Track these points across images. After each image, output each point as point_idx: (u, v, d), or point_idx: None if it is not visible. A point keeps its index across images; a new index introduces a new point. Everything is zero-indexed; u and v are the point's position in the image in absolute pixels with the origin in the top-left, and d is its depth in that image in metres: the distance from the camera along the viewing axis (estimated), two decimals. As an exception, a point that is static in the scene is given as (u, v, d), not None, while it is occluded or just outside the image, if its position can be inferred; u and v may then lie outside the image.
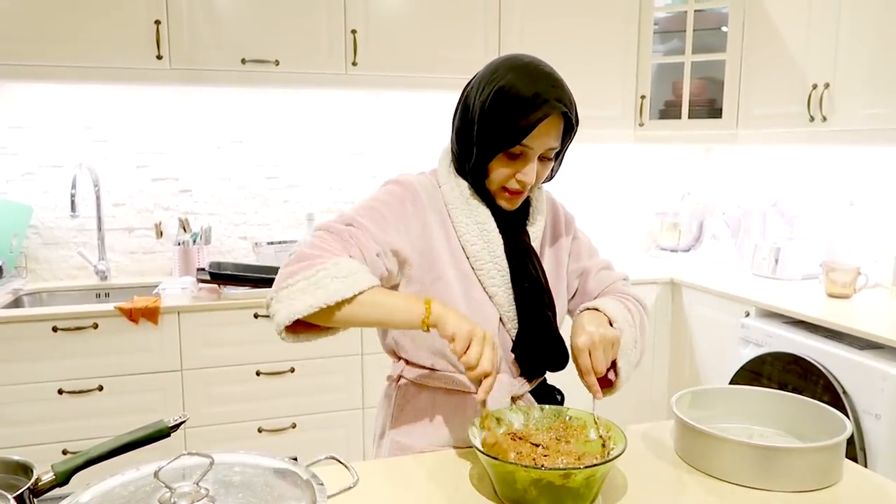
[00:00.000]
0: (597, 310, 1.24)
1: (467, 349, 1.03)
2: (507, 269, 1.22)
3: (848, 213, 2.79)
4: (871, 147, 2.65)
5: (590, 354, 1.15)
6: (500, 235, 1.22)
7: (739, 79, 2.85)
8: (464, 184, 1.23)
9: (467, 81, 1.23)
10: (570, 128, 1.17)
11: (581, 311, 1.25)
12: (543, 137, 1.14)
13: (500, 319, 1.23)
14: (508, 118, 1.12)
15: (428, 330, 1.06)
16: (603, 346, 1.15)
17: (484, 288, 1.22)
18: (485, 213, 1.22)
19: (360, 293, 1.06)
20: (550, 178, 1.25)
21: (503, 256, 1.22)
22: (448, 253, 1.21)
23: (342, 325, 1.11)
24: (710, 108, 3.02)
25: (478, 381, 1.06)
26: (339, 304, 1.05)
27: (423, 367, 1.25)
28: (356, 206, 1.20)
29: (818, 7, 2.50)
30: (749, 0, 2.79)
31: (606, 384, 1.24)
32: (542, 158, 1.18)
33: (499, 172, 1.17)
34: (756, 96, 2.79)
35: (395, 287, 1.22)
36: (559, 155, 1.22)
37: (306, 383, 2.54)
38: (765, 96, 2.75)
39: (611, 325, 1.21)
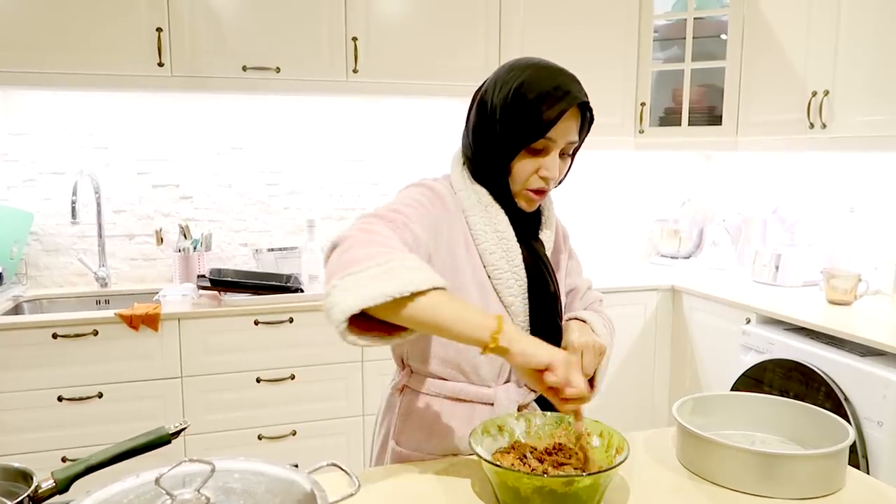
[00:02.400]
0: (583, 321, 1.28)
1: (565, 375, 0.97)
2: (525, 280, 1.22)
3: (848, 219, 2.79)
4: (871, 154, 2.66)
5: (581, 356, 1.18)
6: (518, 244, 1.22)
7: (739, 86, 2.86)
8: (482, 190, 1.22)
9: (477, 87, 1.24)
10: (584, 122, 1.19)
11: (567, 320, 1.30)
12: (566, 130, 1.15)
13: None
14: (532, 112, 1.13)
15: (484, 352, 0.97)
16: (593, 350, 1.19)
17: (500, 297, 1.22)
18: (504, 221, 1.21)
19: (434, 289, 0.96)
20: (561, 182, 1.25)
21: (521, 266, 1.22)
22: (467, 261, 1.20)
23: (406, 324, 0.98)
24: (709, 115, 3.03)
25: (570, 402, 1.01)
26: (412, 297, 0.94)
27: (431, 376, 1.25)
28: (394, 201, 1.15)
29: (817, 14, 2.50)
30: (748, 8, 2.80)
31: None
32: (562, 154, 1.19)
33: (522, 170, 1.17)
34: (756, 103, 2.79)
35: None
36: (574, 152, 1.23)
37: (307, 390, 2.54)
38: (764, 103, 2.75)
39: None
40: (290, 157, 2.99)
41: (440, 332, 0.98)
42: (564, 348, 1.21)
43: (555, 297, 1.25)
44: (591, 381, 1.24)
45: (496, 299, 1.21)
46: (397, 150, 3.11)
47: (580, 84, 1.17)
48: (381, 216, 1.08)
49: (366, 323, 0.98)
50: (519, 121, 1.14)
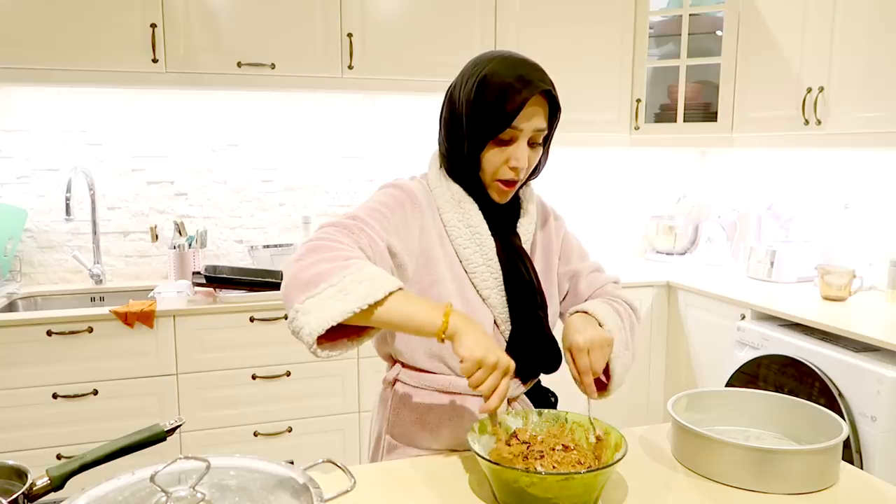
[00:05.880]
0: (586, 313, 1.24)
1: (474, 373, 1.00)
2: (500, 272, 1.23)
3: (843, 216, 2.80)
4: (866, 150, 2.66)
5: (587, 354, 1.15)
6: (492, 238, 1.23)
7: (734, 82, 2.86)
8: (455, 187, 1.23)
9: (451, 82, 1.25)
10: (554, 110, 1.19)
11: (571, 314, 1.26)
12: (531, 118, 1.15)
13: (495, 321, 1.24)
14: (495, 104, 1.14)
15: (443, 341, 1.03)
16: (600, 346, 1.15)
17: (477, 290, 1.23)
18: (477, 216, 1.23)
19: (389, 295, 1.01)
20: (537, 173, 1.25)
21: (495, 259, 1.23)
22: (443, 256, 1.22)
23: (371, 325, 1.06)
24: (705, 111, 3.03)
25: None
26: (371, 308, 1.01)
27: (419, 370, 1.25)
28: (357, 208, 1.18)
29: (813, 11, 2.51)
30: (744, 4, 2.80)
31: (600, 387, 1.25)
32: (533, 144, 1.19)
33: (491, 161, 1.18)
34: (751, 100, 2.80)
35: None
36: (547, 141, 1.23)
37: (302, 387, 2.53)
38: (760, 100, 2.76)
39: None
40: (285, 154, 2.99)
41: (401, 330, 1.06)
42: (569, 349, 1.17)
43: (531, 287, 1.25)
44: (606, 374, 1.22)
45: (473, 292, 1.23)
46: (392, 147, 3.11)
47: (543, 73, 1.17)
48: (336, 224, 1.11)
49: (333, 332, 1.03)
50: (483, 114, 1.15)
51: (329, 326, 0.99)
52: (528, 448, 1.08)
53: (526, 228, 1.29)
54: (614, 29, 2.98)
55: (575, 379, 1.19)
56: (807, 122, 2.53)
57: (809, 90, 2.51)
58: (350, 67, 2.63)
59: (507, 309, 1.24)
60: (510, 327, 1.25)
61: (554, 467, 1.04)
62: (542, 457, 1.06)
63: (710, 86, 3.04)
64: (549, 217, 1.38)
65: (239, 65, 2.52)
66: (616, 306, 1.29)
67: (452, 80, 1.27)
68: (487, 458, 1.02)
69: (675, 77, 3.05)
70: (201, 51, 2.48)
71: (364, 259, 1.06)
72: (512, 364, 1.02)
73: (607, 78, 3.00)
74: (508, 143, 1.17)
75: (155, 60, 2.43)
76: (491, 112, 1.14)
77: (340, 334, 1.06)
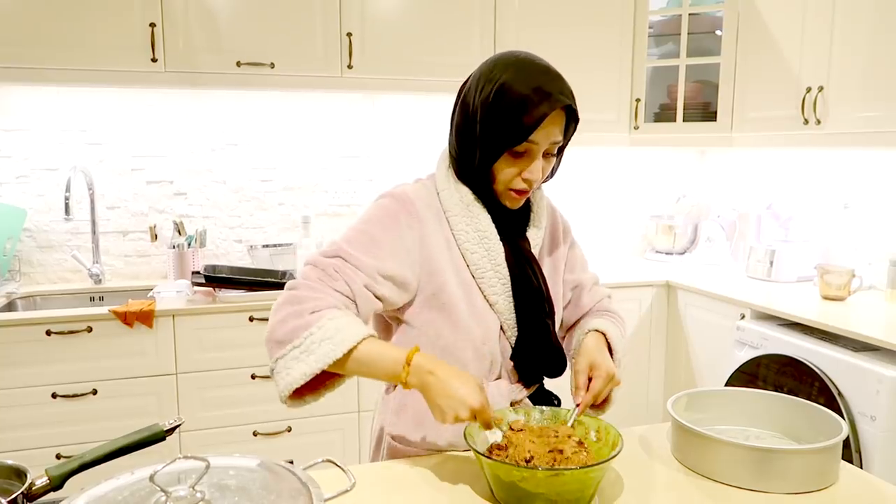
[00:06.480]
0: (603, 334, 1.29)
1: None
2: (508, 278, 1.21)
3: (842, 215, 2.80)
4: (865, 150, 2.66)
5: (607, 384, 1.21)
6: (500, 243, 1.21)
7: (734, 82, 2.86)
8: (464, 189, 1.21)
9: (463, 81, 1.22)
10: (571, 120, 1.16)
11: (589, 332, 1.30)
12: (548, 132, 1.12)
13: (501, 328, 1.23)
14: (512, 116, 1.10)
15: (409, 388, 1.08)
16: (612, 385, 1.21)
17: (485, 296, 1.21)
18: (486, 221, 1.21)
19: (351, 350, 1.06)
20: (551, 176, 1.24)
21: (504, 264, 1.21)
22: (449, 261, 1.20)
23: (348, 375, 1.13)
24: (704, 111, 3.03)
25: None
26: (332, 366, 1.07)
27: None
28: (347, 231, 1.18)
29: (812, 11, 2.51)
30: (744, 4, 2.80)
31: (599, 406, 1.30)
32: (546, 154, 1.17)
33: (505, 172, 1.16)
34: (750, 99, 2.80)
35: (407, 304, 1.21)
36: (561, 150, 1.21)
37: (302, 387, 2.53)
38: (759, 99, 2.76)
39: (611, 351, 1.28)
40: (284, 154, 2.99)
41: (368, 377, 1.11)
42: (591, 367, 1.21)
43: (539, 294, 1.24)
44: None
45: (480, 298, 1.21)
46: (392, 147, 3.11)
47: (563, 83, 1.13)
48: (316, 263, 1.14)
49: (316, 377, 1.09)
50: (499, 124, 1.12)
51: (294, 388, 1.07)
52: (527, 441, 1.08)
53: (535, 233, 1.28)
54: (614, 28, 2.98)
55: (576, 388, 1.21)
56: (806, 121, 2.53)
57: (809, 90, 2.51)
58: (350, 67, 2.63)
59: (514, 315, 1.23)
60: (516, 333, 1.24)
61: (553, 465, 1.04)
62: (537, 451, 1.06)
63: (710, 85, 3.04)
64: (558, 221, 1.37)
65: (238, 64, 2.52)
66: (620, 330, 1.34)
67: (454, 79, 1.26)
68: (482, 452, 1.02)
69: (674, 77, 3.05)
70: (200, 50, 2.48)
71: (338, 304, 1.09)
72: (484, 404, 1.04)
73: (607, 77, 3.00)
74: (523, 154, 1.14)
75: (154, 60, 2.43)
76: (507, 123, 1.11)
77: (325, 377, 1.13)
